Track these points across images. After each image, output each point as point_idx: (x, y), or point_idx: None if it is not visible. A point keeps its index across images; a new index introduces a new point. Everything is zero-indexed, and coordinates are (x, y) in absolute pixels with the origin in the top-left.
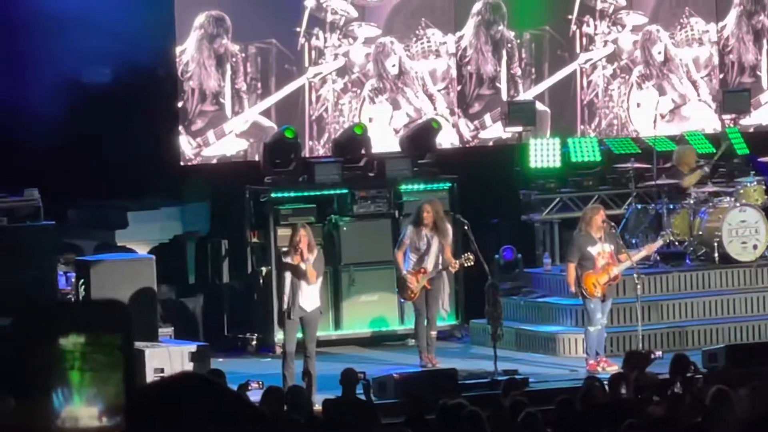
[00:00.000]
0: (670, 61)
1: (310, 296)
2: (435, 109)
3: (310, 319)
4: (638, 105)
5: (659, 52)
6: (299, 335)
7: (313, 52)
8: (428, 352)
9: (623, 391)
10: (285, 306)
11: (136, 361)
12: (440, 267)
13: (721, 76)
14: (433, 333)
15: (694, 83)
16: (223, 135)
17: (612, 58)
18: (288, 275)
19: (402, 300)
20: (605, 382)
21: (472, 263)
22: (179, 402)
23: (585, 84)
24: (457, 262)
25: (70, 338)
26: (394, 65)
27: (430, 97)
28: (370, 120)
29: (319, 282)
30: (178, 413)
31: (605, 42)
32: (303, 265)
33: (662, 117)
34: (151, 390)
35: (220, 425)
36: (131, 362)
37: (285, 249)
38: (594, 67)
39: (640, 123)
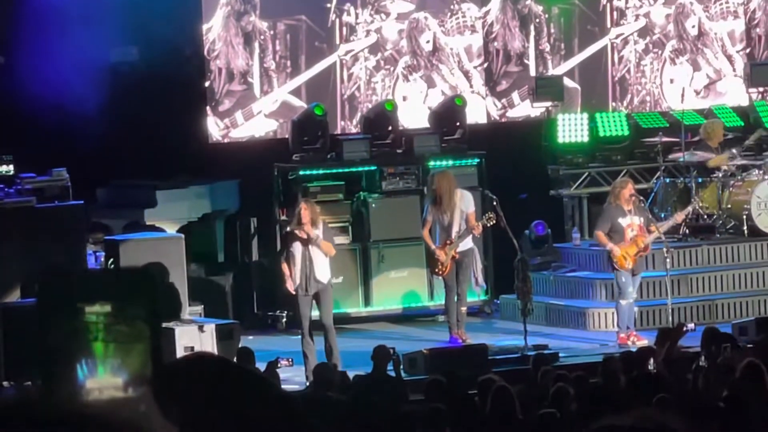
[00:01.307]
0: (704, 35)
1: (323, 268)
2: (471, 86)
3: (326, 291)
4: (671, 81)
5: (693, 26)
6: (314, 312)
7: (344, 29)
8: (458, 328)
9: (651, 365)
10: (298, 281)
11: (162, 331)
12: (464, 234)
13: (748, 50)
14: (464, 309)
15: (729, 57)
16: (252, 116)
17: (644, 32)
18: (298, 252)
19: (434, 275)
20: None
21: (494, 221)
22: (198, 385)
23: (616, 60)
24: (479, 223)
25: (94, 308)
26: (428, 41)
27: (466, 74)
28: (404, 99)
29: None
30: (197, 397)
31: (637, 16)
32: (313, 237)
33: (697, 93)
34: (171, 371)
35: (239, 408)
36: (157, 332)
37: (290, 227)
38: (625, 42)
39: (673, 100)
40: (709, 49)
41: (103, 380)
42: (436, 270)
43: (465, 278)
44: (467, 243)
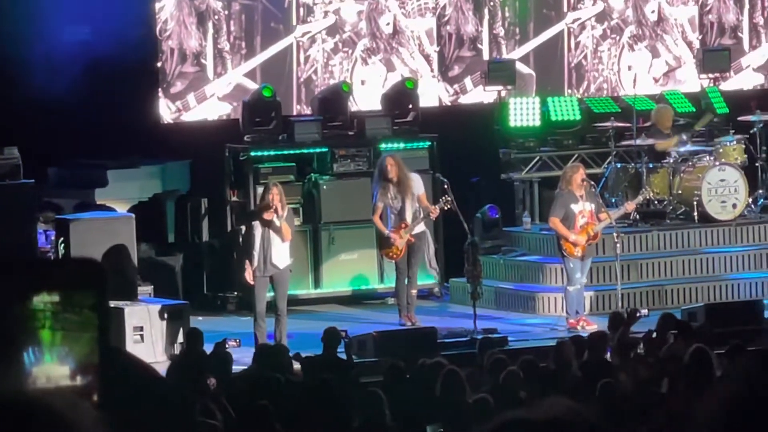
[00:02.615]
0: (664, 21)
1: (282, 253)
2: (432, 70)
3: (281, 276)
4: (629, 68)
5: (652, 11)
6: (269, 293)
7: (301, 10)
8: (408, 311)
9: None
10: (255, 264)
11: (111, 321)
12: (420, 216)
13: (700, 36)
14: (414, 291)
15: (689, 44)
16: (205, 98)
17: (602, 17)
18: (258, 233)
19: (388, 260)
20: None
21: (451, 206)
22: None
23: (573, 45)
24: (436, 207)
25: (42, 297)
26: (388, 24)
27: (427, 57)
28: (363, 83)
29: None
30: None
31: (595, 0)
32: (278, 222)
33: (656, 80)
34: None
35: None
36: (105, 321)
37: (255, 208)
38: (582, 27)
39: (631, 88)
40: (669, 35)
41: (50, 368)
42: (391, 254)
43: (416, 261)
44: (420, 226)
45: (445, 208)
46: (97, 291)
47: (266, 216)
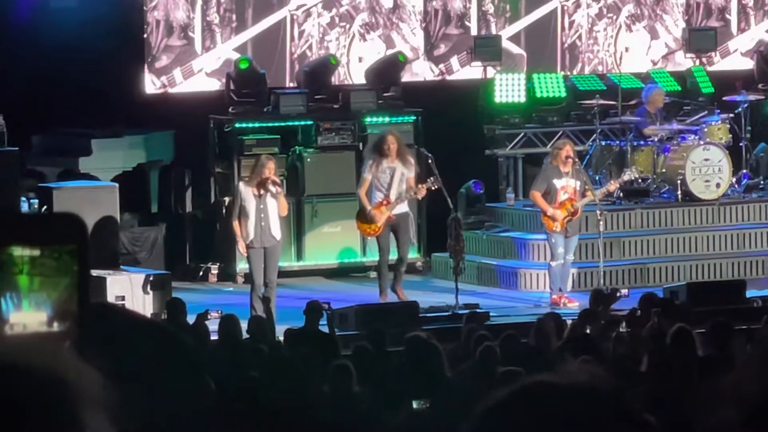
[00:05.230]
0: (664, 1)
1: (277, 225)
2: None
3: (275, 248)
4: (627, 49)
5: None
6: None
7: None
8: (395, 286)
9: (588, 329)
10: (252, 235)
11: (89, 268)
12: (404, 196)
13: (686, 18)
14: (402, 269)
15: None
16: (192, 74)
17: None
18: (251, 206)
19: (364, 235)
20: (565, 318)
21: (437, 186)
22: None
23: (566, 24)
24: (423, 186)
25: (21, 249)
26: None
27: None
28: (360, 60)
29: None
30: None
31: None
32: (276, 195)
33: (654, 63)
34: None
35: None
36: (84, 267)
37: (248, 178)
38: (577, 5)
39: (628, 70)
40: (669, 15)
41: (27, 315)
42: (369, 230)
43: (406, 240)
44: (403, 206)
45: (433, 188)
46: (77, 244)
47: (263, 188)
